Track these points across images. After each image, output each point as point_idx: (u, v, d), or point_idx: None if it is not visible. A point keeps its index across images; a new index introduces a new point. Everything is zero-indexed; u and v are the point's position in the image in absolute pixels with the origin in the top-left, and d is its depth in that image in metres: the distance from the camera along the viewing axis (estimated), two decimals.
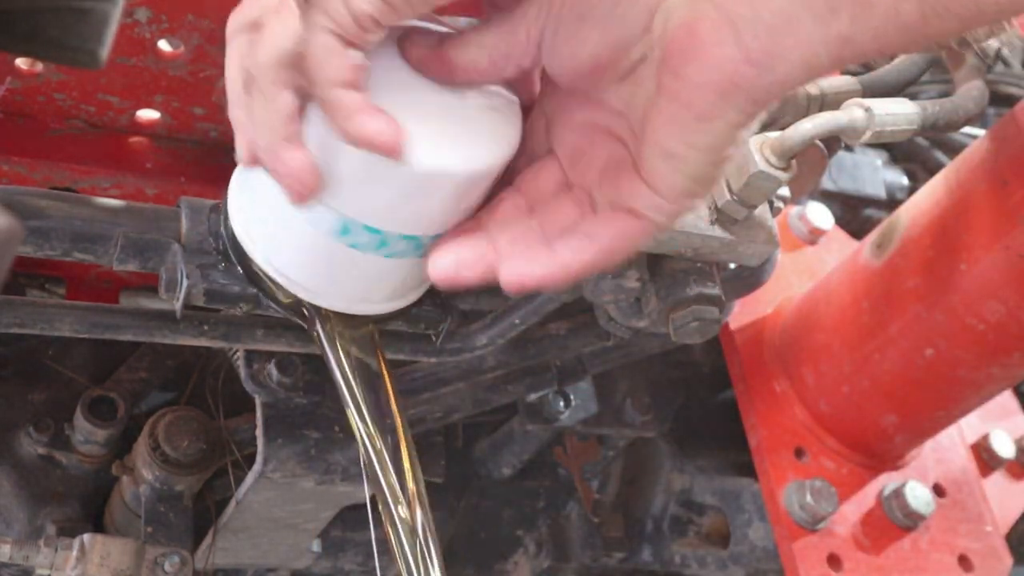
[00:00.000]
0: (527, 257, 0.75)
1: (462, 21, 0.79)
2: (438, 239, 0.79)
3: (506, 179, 0.79)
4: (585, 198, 0.76)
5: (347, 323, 0.87)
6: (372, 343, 0.89)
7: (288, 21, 0.70)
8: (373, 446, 0.86)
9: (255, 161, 0.76)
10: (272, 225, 0.82)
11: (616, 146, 0.75)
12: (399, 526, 0.86)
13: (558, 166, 0.78)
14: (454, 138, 0.76)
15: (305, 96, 0.72)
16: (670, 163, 0.70)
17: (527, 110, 0.80)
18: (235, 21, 0.74)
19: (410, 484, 0.86)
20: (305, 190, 0.74)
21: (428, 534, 0.86)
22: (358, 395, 0.86)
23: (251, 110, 0.73)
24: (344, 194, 0.77)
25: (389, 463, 0.86)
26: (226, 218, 0.85)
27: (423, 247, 0.81)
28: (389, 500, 0.85)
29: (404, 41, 0.76)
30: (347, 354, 0.87)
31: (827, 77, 1.05)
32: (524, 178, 0.79)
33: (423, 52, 0.76)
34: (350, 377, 0.86)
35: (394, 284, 0.85)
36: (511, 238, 0.76)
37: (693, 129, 0.69)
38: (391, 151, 0.72)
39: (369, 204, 0.77)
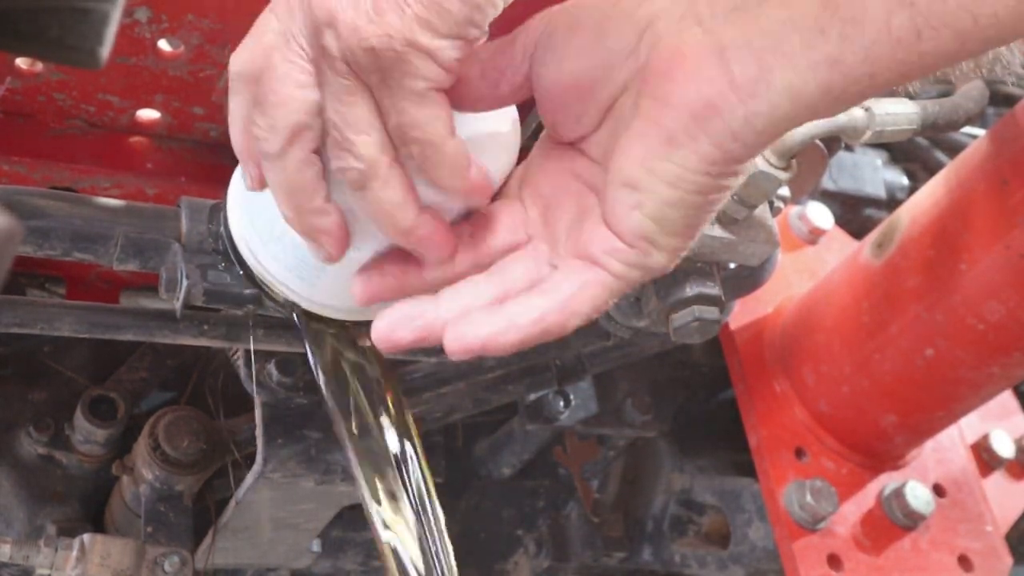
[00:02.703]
0: (472, 319, 0.69)
1: None
2: (368, 273, 0.76)
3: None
4: (544, 254, 0.73)
5: (344, 327, 0.87)
6: (370, 348, 0.88)
7: (290, 83, 0.68)
8: (356, 452, 0.85)
9: (263, 185, 0.74)
10: (269, 228, 0.82)
11: (587, 197, 0.71)
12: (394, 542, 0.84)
13: (522, 212, 0.75)
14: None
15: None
16: (631, 196, 0.66)
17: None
18: (237, 63, 0.72)
19: (422, 485, 0.86)
20: (338, 248, 0.73)
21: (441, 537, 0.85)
22: (349, 402, 0.86)
23: (271, 175, 0.72)
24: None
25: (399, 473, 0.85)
26: (226, 218, 0.85)
27: None
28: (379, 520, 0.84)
29: None
30: (342, 358, 0.87)
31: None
32: (478, 216, 0.75)
33: None
34: (333, 383, 0.86)
35: None
36: (460, 300, 0.71)
37: (659, 154, 0.65)
38: (484, 193, 0.72)
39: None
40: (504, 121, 0.77)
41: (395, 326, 0.71)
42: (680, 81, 0.64)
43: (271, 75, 0.69)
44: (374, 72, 0.66)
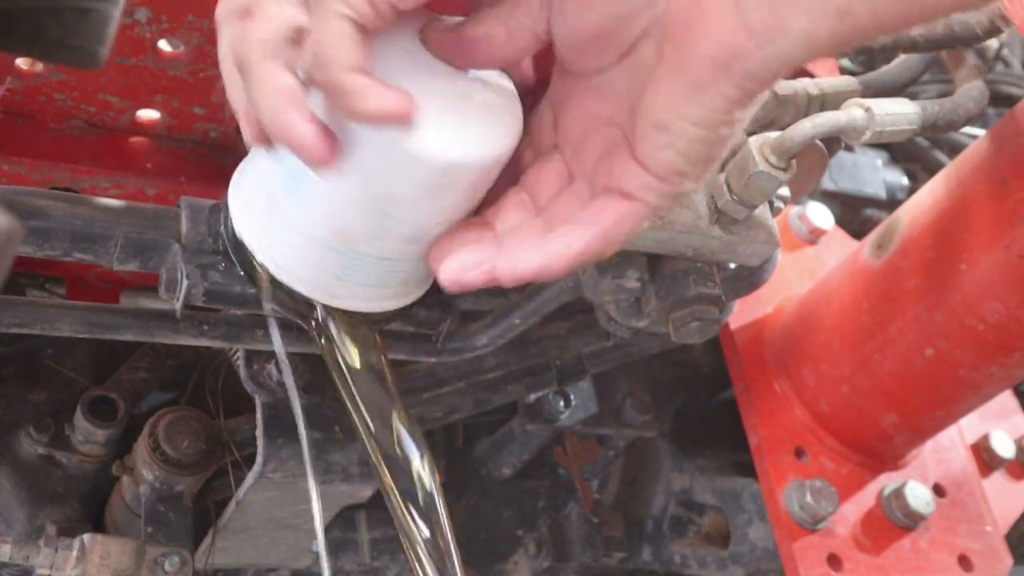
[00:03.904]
0: (522, 250, 0.75)
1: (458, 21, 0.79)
2: (445, 240, 0.80)
3: (512, 176, 0.80)
4: (585, 190, 0.77)
5: (347, 321, 0.87)
6: (373, 342, 0.88)
7: (281, 6, 0.71)
8: (373, 445, 0.86)
9: (262, 138, 0.76)
10: (273, 221, 0.82)
11: (614, 131, 0.75)
12: (410, 526, 0.85)
13: (562, 161, 0.79)
14: (460, 127, 0.76)
15: (306, 79, 0.72)
16: (661, 136, 0.70)
17: (525, 97, 0.80)
18: (225, 7, 0.74)
19: (425, 479, 0.86)
20: (324, 153, 0.73)
21: (446, 533, 0.86)
22: (355, 392, 0.86)
23: (250, 93, 0.73)
24: (350, 185, 0.77)
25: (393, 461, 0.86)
26: (226, 218, 0.85)
27: (425, 240, 0.81)
28: (398, 500, 0.85)
29: (423, 27, 0.76)
30: (348, 351, 0.87)
31: (827, 77, 1.05)
32: (529, 175, 0.80)
33: (441, 35, 0.76)
34: (348, 374, 0.86)
35: (396, 281, 0.85)
36: (516, 237, 0.77)
37: (687, 99, 0.69)
38: (403, 117, 0.71)
39: (376, 196, 0.77)
40: (506, 93, 0.79)
41: (463, 269, 0.76)
42: (701, 31, 0.67)
43: (260, 5, 0.72)
44: None
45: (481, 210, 0.80)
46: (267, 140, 0.76)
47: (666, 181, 0.72)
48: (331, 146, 0.73)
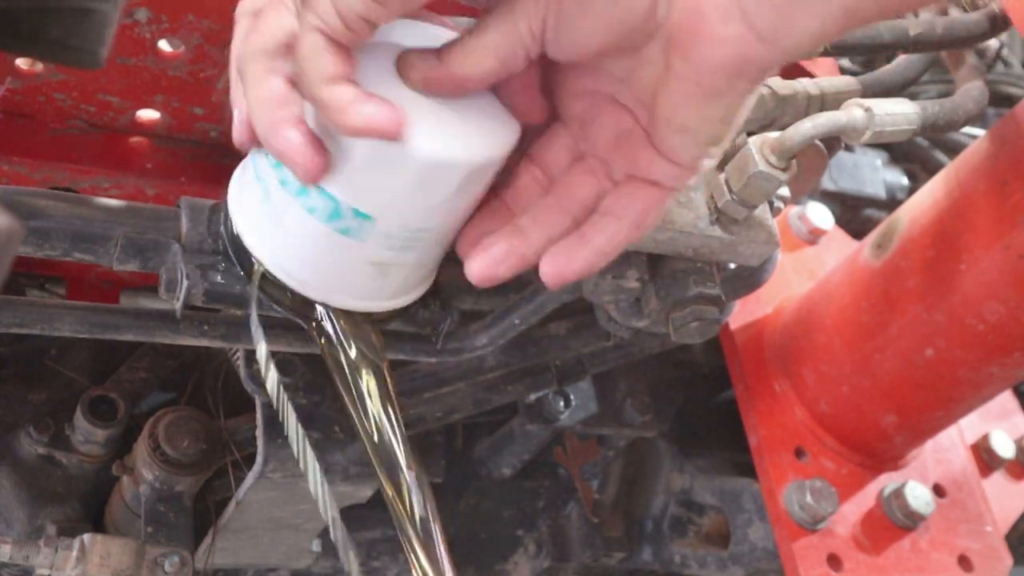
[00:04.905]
0: (565, 252, 0.77)
1: (463, 21, 0.78)
2: (470, 232, 0.80)
3: (521, 151, 0.80)
4: (599, 167, 0.78)
5: (347, 321, 0.87)
6: (372, 342, 0.88)
7: (281, 14, 0.72)
8: (373, 443, 0.86)
9: (251, 140, 0.76)
10: (272, 220, 0.82)
11: (623, 115, 0.76)
12: (406, 521, 0.85)
13: (568, 134, 0.79)
14: (452, 133, 0.76)
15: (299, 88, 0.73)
16: (685, 136, 0.72)
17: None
18: (241, 6, 0.75)
19: (409, 477, 0.87)
20: (312, 166, 0.73)
21: (435, 528, 0.86)
22: (358, 391, 0.86)
23: (245, 97, 0.74)
24: (345, 184, 0.77)
25: (401, 457, 0.86)
26: (226, 218, 0.85)
27: (424, 240, 0.81)
28: (394, 492, 0.85)
29: (402, 65, 0.75)
30: (348, 351, 0.87)
31: (827, 77, 1.05)
32: (536, 148, 0.80)
33: (426, 74, 0.75)
34: (349, 374, 0.86)
35: (394, 281, 0.85)
36: (542, 230, 0.78)
37: (707, 105, 0.71)
38: (391, 133, 0.71)
39: (371, 195, 0.77)
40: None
41: (494, 264, 0.78)
42: (709, 42, 0.68)
43: (267, 9, 0.73)
44: (298, 2, 0.70)
45: (497, 190, 0.80)
46: (256, 143, 0.76)
47: (691, 168, 0.75)
48: (318, 160, 0.73)
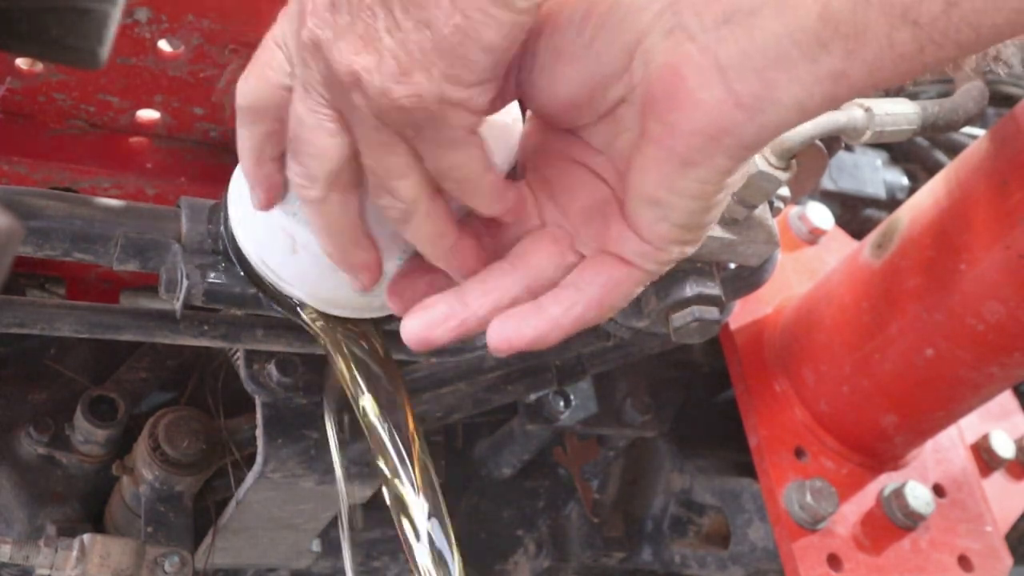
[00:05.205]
0: (516, 319, 0.72)
1: None
2: (406, 290, 0.78)
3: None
4: (563, 237, 0.74)
5: (345, 323, 0.87)
6: (373, 342, 0.88)
7: (331, 136, 0.70)
8: (381, 446, 0.85)
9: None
10: (267, 224, 0.82)
11: (598, 185, 0.72)
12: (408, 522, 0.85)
13: (531, 198, 0.75)
14: None
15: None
16: (656, 211, 0.68)
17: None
18: (245, 99, 0.74)
19: (420, 480, 0.86)
20: (373, 279, 0.77)
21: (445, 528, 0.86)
22: (363, 388, 0.86)
23: (315, 217, 0.75)
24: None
25: (405, 460, 0.85)
26: (226, 218, 0.85)
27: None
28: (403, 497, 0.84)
29: None
30: (349, 353, 0.86)
31: None
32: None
33: None
34: (356, 373, 0.86)
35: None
36: (489, 296, 0.73)
37: (679, 175, 0.66)
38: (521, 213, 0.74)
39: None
40: (506, 114, 0.76)
41: (430, 327, 0.73)
42: (686, 107, 0.64)
43: (300, 126, 0.70)
44: (408, 126, 0.67)
45: None
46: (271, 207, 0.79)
47: (663, 250, 0.70)
48: (378, 276, 0.77)
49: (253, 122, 0.74)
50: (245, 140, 0.76)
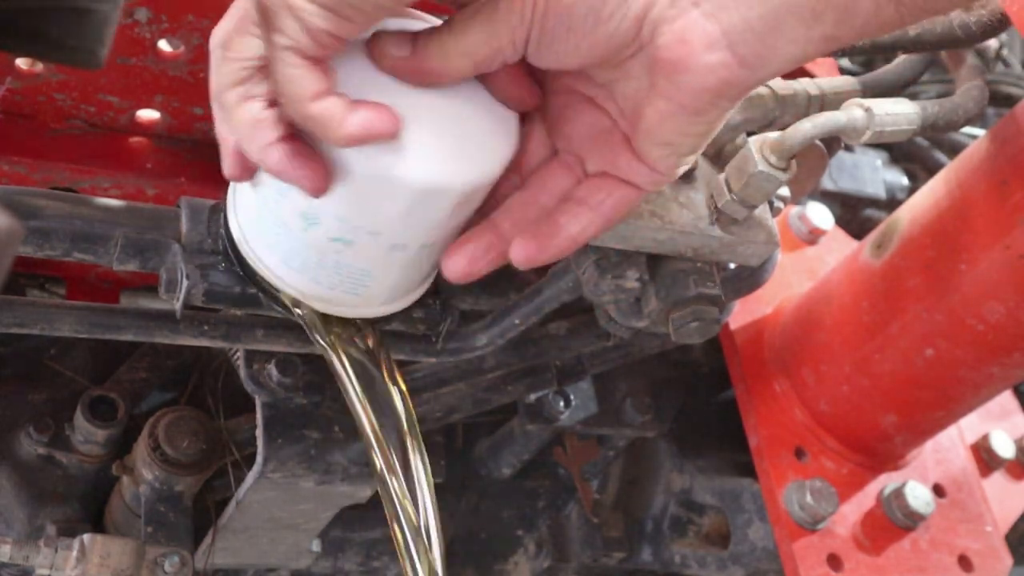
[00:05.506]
0: (537, 238, 0.78)
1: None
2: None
3: None
4: (574, 162, 0.79)
5: (345, 324, 0.87)
6: (373, 343, 0.89)
7: (248, 40, 0.72)
8: (380, 448, 0.86)
9: (242, 172, 0.78)
10: (268, 227, 0.82)
11: (600, 116, 0.77)
12: (403, 524, 0.86)
13: (541, 129, 0.80)
14: (449, 147, 0.75)
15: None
16: (667, 149, 0.75)
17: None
18: (213, 37, 0.75)
19: (422, 483, 0.87)
20: (314, 182, 0.74)
21: (434, 533, 0.86)
22: (359, 392, 0.86)
23: (229, 124, 0.75)
24: (343, 201, 0.76)
25: (397, 464, 0.86)
26: (226, 218, 0.85)
27: (419, 252, 0.81)
28: (396, 501, 0.86)
29: (371, 46, 0.74)
30: (348, 355, 0.87)
31: (827, 77, 1.05)
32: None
33: (395, 60, 0.74)
34: (352, 376, 0.86)
35: (390, 287, 0.85)
36: (517, 226, 0.79)
37: (689, 123, 0.73)
38: (388, 134, 0.72)
39: (369, 213, 0.77)
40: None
41: (473, 261, 0.79)
42: (694, 69, 0.70)
43: (232, 38, 0.73)
44: (263, 26, 0.70)
45: None
46: (246, 173, 0.78)
47: (670, 176, 0.78)
48: (319, 174, 0.73)
49: (246, 95, 0.74)
50: (244, 118, 0.74)
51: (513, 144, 0.78)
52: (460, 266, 0.79)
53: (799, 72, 1.14)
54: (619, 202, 0.78)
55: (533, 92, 0.78)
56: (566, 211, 0.78)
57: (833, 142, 1.05)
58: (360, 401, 0.87)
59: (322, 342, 0.86)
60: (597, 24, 0.70)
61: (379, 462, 0.86)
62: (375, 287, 0.84)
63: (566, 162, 0.80)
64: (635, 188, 0.78)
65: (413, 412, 0.90)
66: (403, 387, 0.90)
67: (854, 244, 1.41)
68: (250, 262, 0.84)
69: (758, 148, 0.91)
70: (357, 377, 0.87)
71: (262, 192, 0.80)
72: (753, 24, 0.68)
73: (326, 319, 0.86)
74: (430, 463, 0.89)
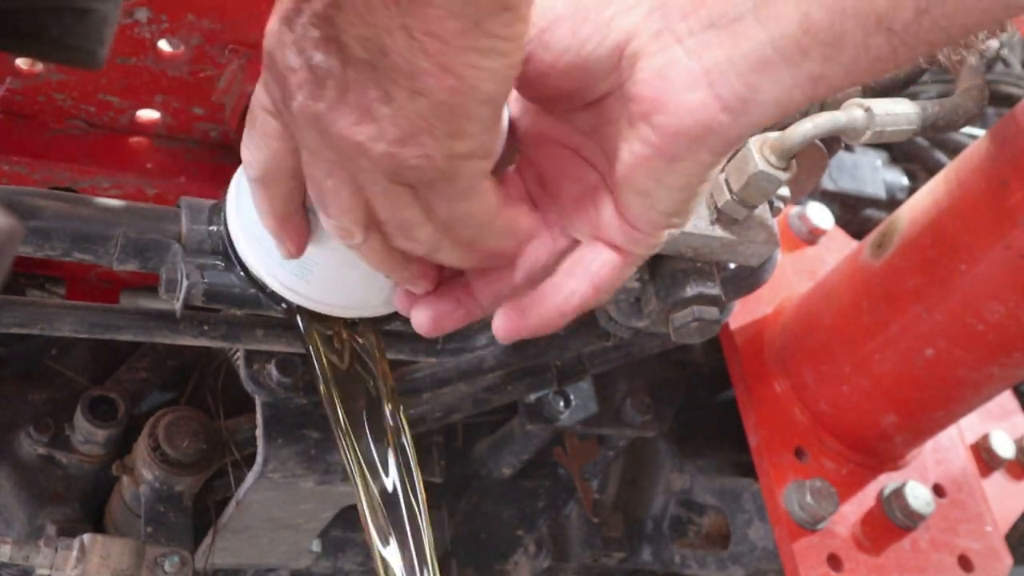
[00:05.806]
0: (520, 309, 0.75)
1: None
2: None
3: None
4: (556, 222, 0.76)
5: (343, 325, 0.87)
6: (373, 342, 0.89)
7: (352, 195, 0.71)
8: (351, 453, 0.86)
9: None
10: (263, 228, 0.82)
11: (587, 171, 0.74)
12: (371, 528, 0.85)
13: (521, 183, 0.77)
14: None
15: None
16: (644, 200, 0.71)
17: None
18: (255, 172, 0.75)
19: (414, 488, 0.86)
20: (297, 248, 0.79)
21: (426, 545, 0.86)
22: (337, 401, 0.86)
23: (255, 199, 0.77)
24: None
25: (368, 473, 0.86)
26: (225, 219, 0.85)
27: None
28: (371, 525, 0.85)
29: None
30: (339, 357, 0.87)
31: None
32: None
33: None
34: (331, 382, 0.86)
35: (390, 288, 0.85)
36: (490, 285, 0.77)
37: (666, 170, 0.69)
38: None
39: None
40: None
41: (439, 319, 0.78)
42: (672, 109, 0.67)
43: (321, 186, 0.71)
44: (419, 183, 0.68)
45: None
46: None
47: (652, 236, 0.73)
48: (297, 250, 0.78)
49: (269, 187, 0.75)
50: (266, 203, 0.77)
51: (503, 142, 0.77)
52: (425, 322, 0.78)
53: None
54: (604, 270, 0.74)
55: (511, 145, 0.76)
56: (550, 282, 0.75)
57: (833, 142, 1.05)
58: (334, 406, 0.86)
59: (306, 344, 0.86)
60: (580, 48, 0.68)
61: (351, 471, 0.86)
62: (374, 288, 0.84)
63: (548, 221, 0.76)
64: (619, 252, 0.74)
65: (404, 419, 0.89)
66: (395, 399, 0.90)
67: (854, 244, 1.41)
68: (249, 263, 0.84)
69: (758, 148, 0.91)
70: (337, 381, 0.87)
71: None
72: (736, 63, 0.65)
73: (326, 320, 0.86)
74: (430, 463, 0.89)
